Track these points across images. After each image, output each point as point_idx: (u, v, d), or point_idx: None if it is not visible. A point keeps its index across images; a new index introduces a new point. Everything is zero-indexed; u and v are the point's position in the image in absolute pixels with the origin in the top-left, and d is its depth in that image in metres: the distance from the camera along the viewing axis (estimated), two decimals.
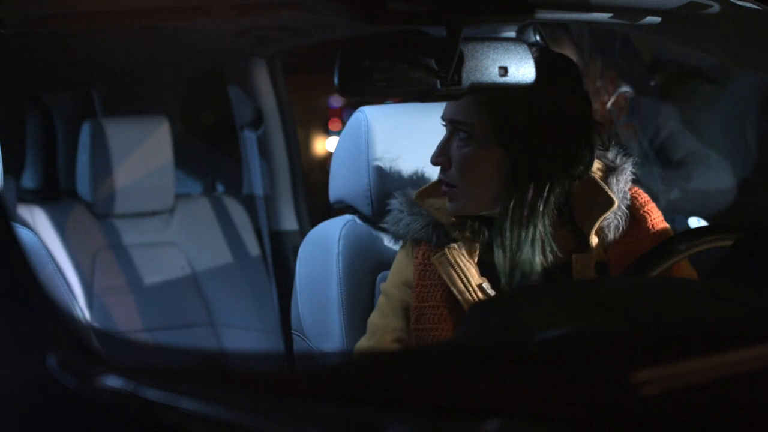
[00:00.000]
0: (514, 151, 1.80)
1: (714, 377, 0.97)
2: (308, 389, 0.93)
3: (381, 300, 1.95)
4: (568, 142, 1.82)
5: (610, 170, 1.88)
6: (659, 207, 2.89)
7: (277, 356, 2.94)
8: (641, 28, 2.25)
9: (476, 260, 1.86)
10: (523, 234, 1.80)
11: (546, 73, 1.82)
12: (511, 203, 1.80)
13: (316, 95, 7.38)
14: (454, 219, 1.88)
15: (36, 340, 1.02)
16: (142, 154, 3.45)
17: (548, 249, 1.82)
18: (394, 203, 1.95)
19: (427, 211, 1.90)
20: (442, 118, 1.88)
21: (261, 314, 3.35)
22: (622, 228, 1.86)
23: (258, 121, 3.80)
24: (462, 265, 1.84)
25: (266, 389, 0.95)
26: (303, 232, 3.70)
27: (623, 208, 1.86)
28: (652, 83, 3.29)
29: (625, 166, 1.89)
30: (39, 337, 1.02)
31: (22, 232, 1.98)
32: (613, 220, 1.85)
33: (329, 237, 2.08)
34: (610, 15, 1.94)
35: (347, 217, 2.12)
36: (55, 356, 0.97)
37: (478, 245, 1.86)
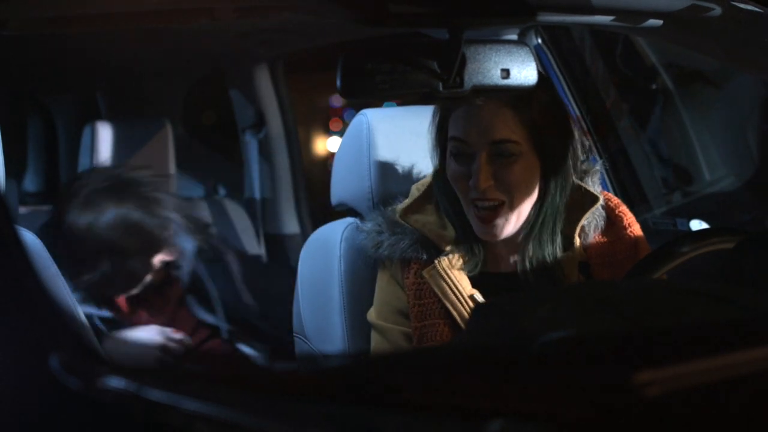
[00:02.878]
0: (548, 160, 1.83)
1: (716, 379, 0.97)
2: (310, 390, 0.93)
3: (376, 337, 1.94)
4: (575, 142, 1.88)
5: (583, 173, 1.92)
6: (660, 210, 2.89)
7: (279, 357, 2.94)
8: (643, 31, 2.26)
9: (467, 274, 1.88)
10: (552, 237, 1.85)
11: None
12: (544, 210, 1.84)
13: (316, 95, 7.39)
14: (447, 244, 1.87)
15: (39, 342, 1.02)
16: (143, 158, 3.46)
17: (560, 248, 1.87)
18: (368, 225, 1.95)
19: (416, 228, 1.89)
20: (462, 140, 1.81)
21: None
22: (601, 228, 1.91)
23: (259, 124, 3.80)
24: (453, 277, 1.85)
25: (268, 390, 0.95)
26: (305, 235, 3.71)
27: (600, 208, 1.91)
28: (654, 86, 3.29)
29: (596, 168, 1.94)
30: (42, 338, 1.02)
31: (25, 235, 1.98)
32: (592, 220, 1.90)
33: (331, 240, 2.09)
34: (611, 18, 1.95)
35: (349, 219, 2.12)
36: (57, 357, 0.97)
37: (469, 261, 1.88)
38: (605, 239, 1.91)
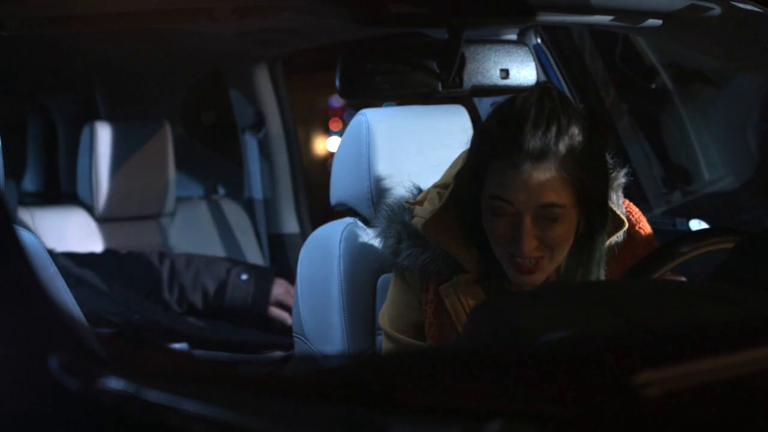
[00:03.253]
0: (590, 213, 1.75)
1: (716, 379, 0.97)
2: (309, 390, 0.93)
3: (388, 346, 1.89)
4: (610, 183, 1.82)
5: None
6: (660, 209, 2.89)
7: (279, 358, 2.94)
8: (643, 31, 2.26)
9: (483, 295, 1.82)
10: (584, 269, 1.79)
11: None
12: (584, 257, 1.78)
13: (316, 95, 7.39)
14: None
15: (38, 342, 1.02)
16: (142, 158, 3.46)
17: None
18: (382, 224, 1.89)
19: (440, 246, 1.81)
20: (506, 201, 1.68)
21: None
22: (619, 245, 1.86)
23: (259, 123, 3.81)
24: (469, 299, 1.80)
25: (268, 390, 0.95)
26: (304, 235, 3.71)
27: None
28: (654, 86, 3.29)
29: (621, 180, 1.87)
30: (41, 339, 1.02)
31: (25, 235, 1.98)
32: (614, 238, 1.84)
33: (330, 240, 2.09)
34: (611, 18, 1.95)
35: (348, 219, 2.12)
36: (57, 358, 0.97)
37: (492, 289, 1.82)
38: (623, 256, 1.86)
